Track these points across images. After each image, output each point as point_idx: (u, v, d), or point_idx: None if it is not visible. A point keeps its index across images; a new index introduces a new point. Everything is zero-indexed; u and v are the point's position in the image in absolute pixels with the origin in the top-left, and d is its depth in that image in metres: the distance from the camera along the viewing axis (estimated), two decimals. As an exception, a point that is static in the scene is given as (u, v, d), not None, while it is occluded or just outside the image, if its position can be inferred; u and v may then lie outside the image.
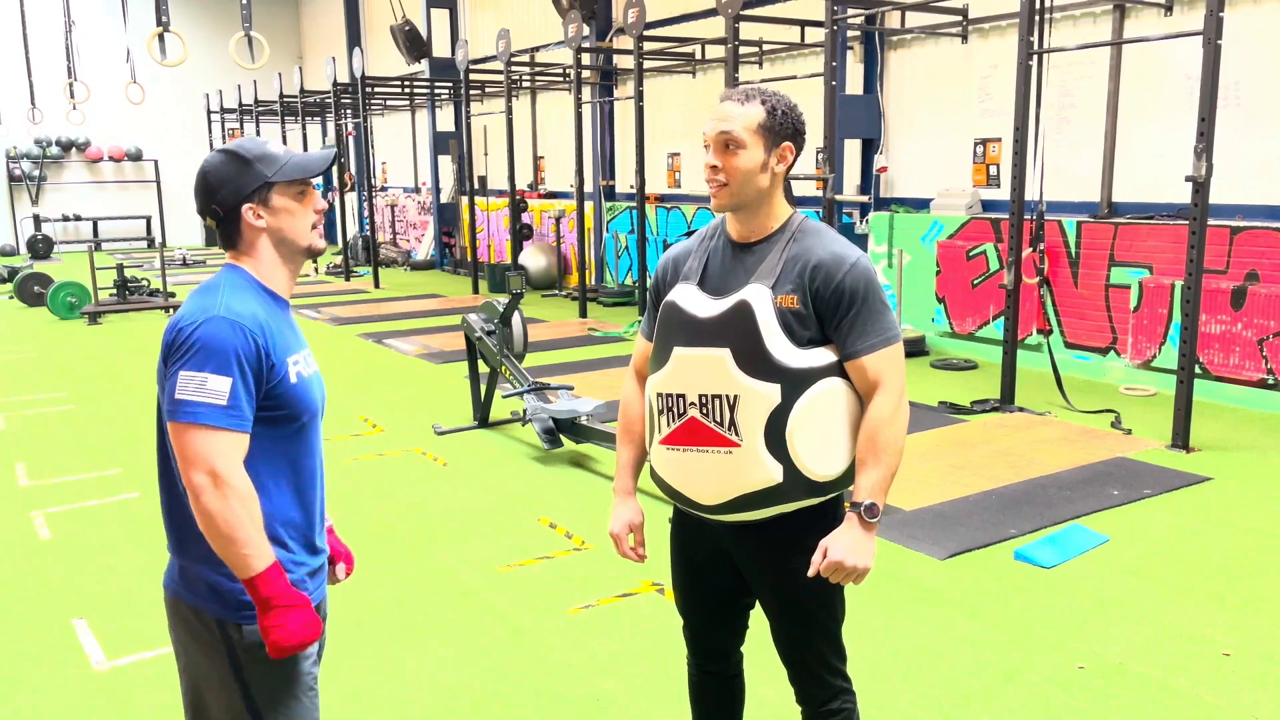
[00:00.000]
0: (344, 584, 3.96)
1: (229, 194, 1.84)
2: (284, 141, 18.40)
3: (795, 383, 1.98)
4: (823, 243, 2.05)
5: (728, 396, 2.00)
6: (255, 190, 1.84)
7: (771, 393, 1.97)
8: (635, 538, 2.29)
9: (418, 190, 19.10)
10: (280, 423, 1.84)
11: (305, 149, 17.49)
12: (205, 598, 1.84)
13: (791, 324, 2.00)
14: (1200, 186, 5.51)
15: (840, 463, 2.05)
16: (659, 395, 2.11)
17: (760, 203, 2.07)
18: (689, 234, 2.55)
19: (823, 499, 2.08)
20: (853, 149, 9.89)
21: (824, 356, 2.02)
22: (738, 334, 2.00)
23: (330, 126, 20.81)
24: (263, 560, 1.74)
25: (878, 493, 2.00)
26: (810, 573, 2.02)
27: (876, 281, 2.05)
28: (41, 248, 20.23)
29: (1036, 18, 6.58)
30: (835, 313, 2.01)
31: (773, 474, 1.99)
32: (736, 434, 2.00)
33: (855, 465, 2.05)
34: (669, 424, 2.09)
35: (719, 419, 2.01)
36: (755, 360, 1.98)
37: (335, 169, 18.28)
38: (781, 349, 1.99)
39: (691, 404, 2.04)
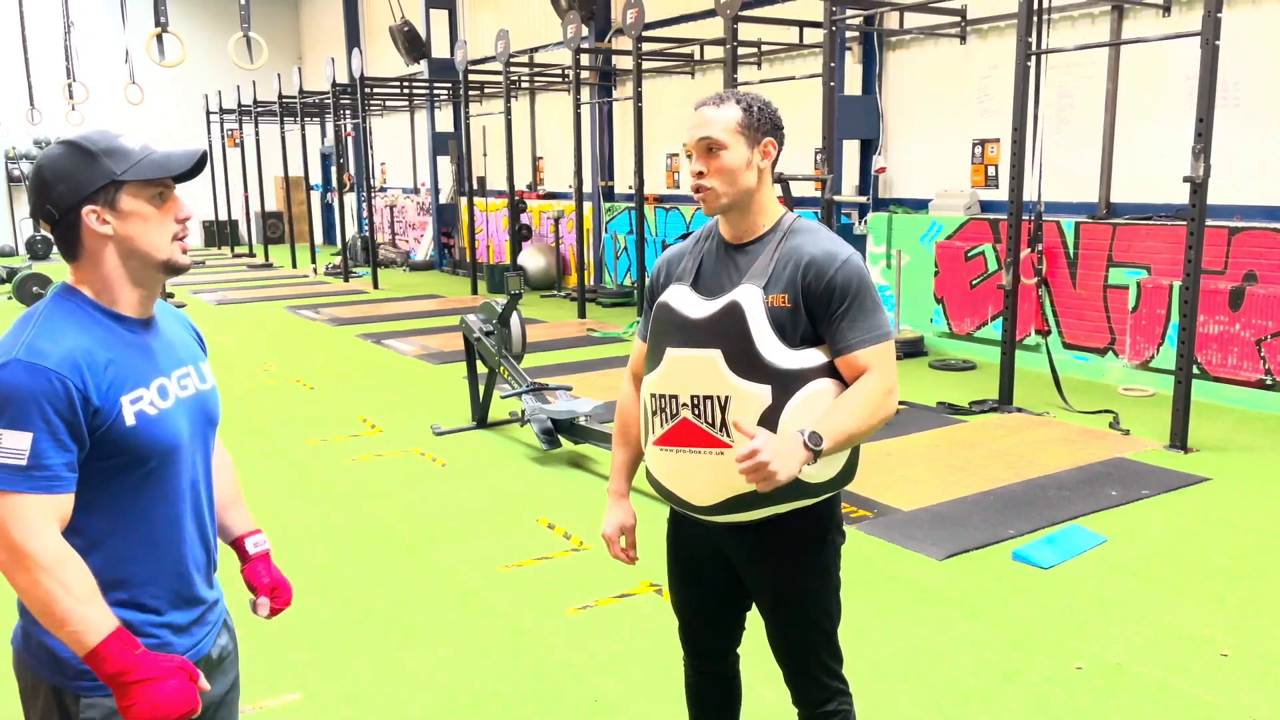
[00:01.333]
0: (342, 585, 3.98)
1: (66, 191, 1.55)
2: (283, 143, 18.39)
3: (786, 383, 1.97)
4: (814, 240, 2.05)
5: (719, 397, 1.99)
6: (100, 189, 1.55)
7: (762, 394, 1.97)
8: (627, 540, 2.30)
9: (417, 191, 19.10)
10: (120, 471, 1.58)
11: (304, 150, 17.57)
12: (43, 662, 1.60)
13: (783, 324, 2.00)
14: (1198, 187, 5.51)
15: (834, 465, 2.05)
16: (653, 396, 2.11)
17: (749, 201, 2.07)
18: (685, 235, 2.54)
19: (817, 499, 2.08)
20: (851, 150, 9.90)
21: (815, 357, 2.02)
22: (728, 335, 2.00)
23: (329, 127, 20.81)
24: (94, 634, 1.49)
25: (831, 432, 1.90)
26: (737, 455, 1.84)
27: (869, 279, 2.05)
28: (40, 248, 20.22)
29: (1035, 18, 6.58)
30: (827, 309, 2.01)
31: None
32: (728, 435, 1.99)
33: (851, 459, 2.05)
34: (662, 425, 2.09)
35: (710, 420, 2.01)
36: (746, 361, 1.98)
37: (334, 170, 18.29)
38: (772, 350, 1.98)
39: (684, 405, 2.04)
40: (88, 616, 1.49)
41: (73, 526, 1.56)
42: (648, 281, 2.27)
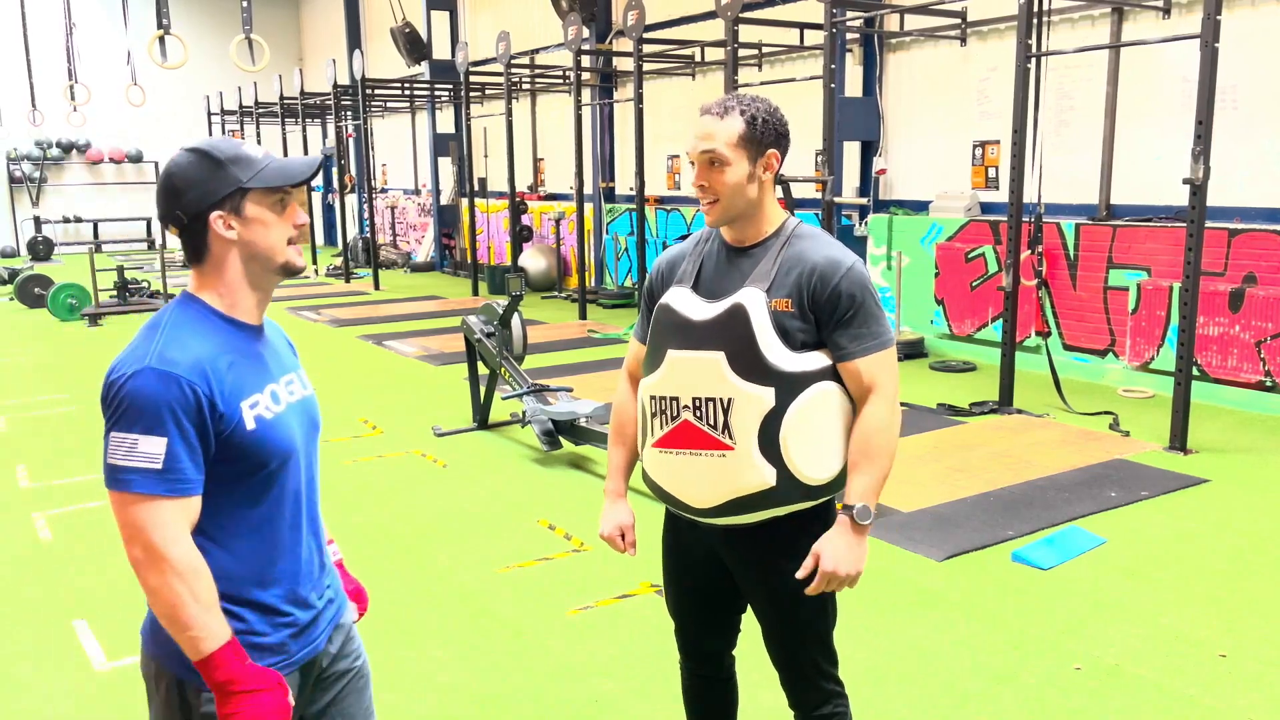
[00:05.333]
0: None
1: (196, 198, 1.61)
2: (284, 144, 18.41)
3: (789, 386, 1.99)
4: (818, 247, 2.06)
5: (721, 399, 2.00)
6: (227, 196, 1.62)
7: (765, 396, 1.98)
8: (626, 538, 2.30)
9: (418, 192, 19.12)
10: (243, 475, 1.64)
11: (305, 151, 17.57)
12: (168, 654, 1.63)
13: (786, 327, 2.01)
14: (1197, 189, 5.52)
15: (833, 466, 2.06)
16: (652, 398, 2.12)
17: (752, 211, 2.08)
18: (685, 236, 2.55)
19: (816, 502, 2.09)
20: (852, 151, 9.91)
21: (818, 360, 2.03)
22: (732, 337, 2.01)
23: (330, 129, 20.83)
24: (212, 641, 1.55)
25: (870, 496, 2.01)
26: (800, 575, 2.04)
27: (872, 285, 2.06)
28: (42, 249, 20.26)
29: (1035, 21, 6.59)
30: (831, 316, 2.02)
31: (766, 477, 2.00)
32: (730, 437, 2.00)
33: (848, 469, 2.07)
34: (662, 427, 2.10)
35: (712, 422, 2.02)
36: (749, 363, 1.99)
37: (335, 171, 18.31)
38: (775, 352, 2.00)
39: (685, 407, 2.05)
40: (209, 624, 1.55)
41: (200, 528, 1.61)
42: (646, 282, 2.27)
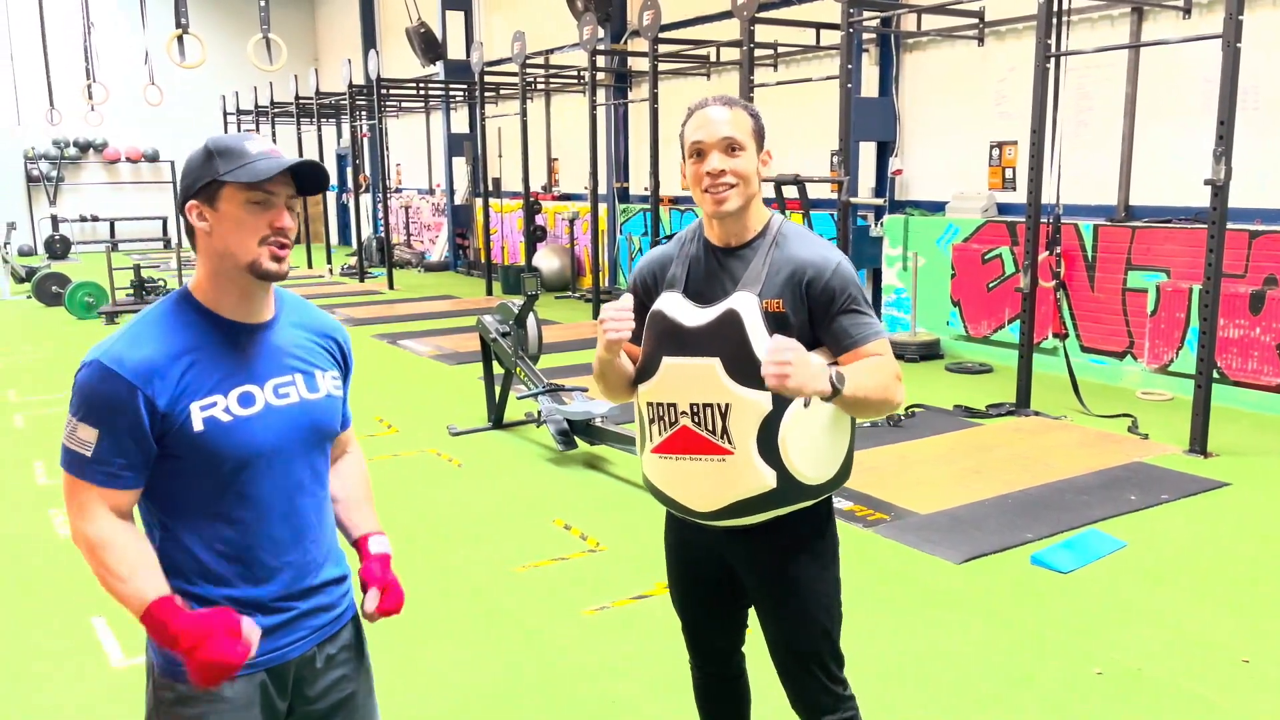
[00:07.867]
0: (357, 585, 3.99)
1: (185, 187, 1.64)
2: (299, 144, 18.43)
3: None
4: (806, 245, 2.08)
5: (719, 405, 2.00)
6: (204, 187, 1.62)
7: (762, 400, 1.97)
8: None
9: (432, 192, 19.15)
10: (195, 473, 1.64)
11: (320, 151, 17.60)
12: (148, 640, 1.71)
13: (778, 329, 2.01)
14: (1219, 190, 5.48)
15: (833, 466, 2.08)
16: (649, 405, 2.11)
17: (749, 206, 2.09)
18: (668, 237, 2.52)
19: (817, 500, 2.11)
20: (868, 151, 9.86)
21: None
22: (727, 343, 2.00)
23: (345, 129, 20.88)
24: (138, 602, 1.58)
25: (851, 382, 1.90)
26: (769, 346, 1.87)
27: (859, 282, 2.09)
28: (59, 248, 20.38)
29: (1054, 20, 6.55)
30: (827, 311, 2.03)
31: (766, 480, 2.00)
32: (729, 442, 2.01)
33: (846, 461, 2.09)
34: (660, 433, 2.10)
35: (711, 427, 2.02)
36: (745, 368, 1.98)
37: (350, 171, 18.36)
38: None
39: (683, 413, 2.05)
40: (130, 589, 1.59)
41: (158, 519, 1.68)
42: (630, 283, 2.24)
